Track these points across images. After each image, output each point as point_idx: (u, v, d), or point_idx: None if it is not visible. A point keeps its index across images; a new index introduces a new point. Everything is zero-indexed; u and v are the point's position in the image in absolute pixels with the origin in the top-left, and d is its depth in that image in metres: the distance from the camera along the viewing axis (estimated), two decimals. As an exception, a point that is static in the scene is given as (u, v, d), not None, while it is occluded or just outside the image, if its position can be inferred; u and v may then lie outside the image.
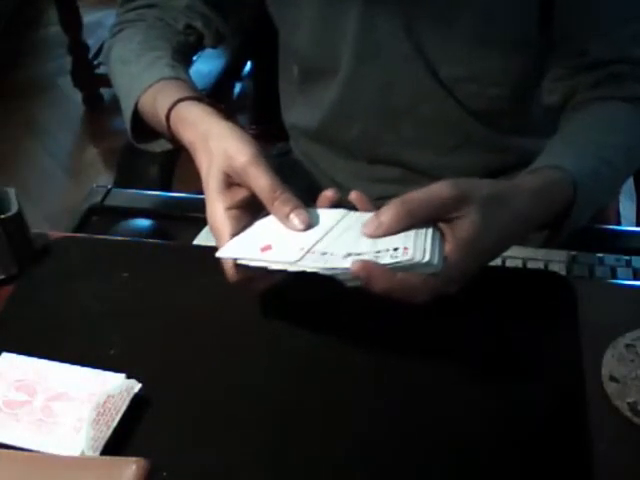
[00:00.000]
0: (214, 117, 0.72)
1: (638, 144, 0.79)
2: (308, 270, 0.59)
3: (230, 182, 0.66)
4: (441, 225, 0.61)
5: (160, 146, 0.84)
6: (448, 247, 0.60)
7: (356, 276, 0.57)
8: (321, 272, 0.59)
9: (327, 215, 0.66)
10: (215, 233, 0.66)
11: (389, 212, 0.60)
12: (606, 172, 0.73)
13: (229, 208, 0.65)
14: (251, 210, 0.67)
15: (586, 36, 0.81)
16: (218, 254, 0.64)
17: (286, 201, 0.64)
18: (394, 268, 0.58)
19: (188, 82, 0.80)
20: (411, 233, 0.60)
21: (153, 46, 0.86)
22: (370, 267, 0.57)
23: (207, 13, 0.91)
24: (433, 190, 0.61)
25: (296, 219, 0.64)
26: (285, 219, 0.64)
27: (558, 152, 0.75)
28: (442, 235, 0.61)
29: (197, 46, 0.94)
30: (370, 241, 0.60)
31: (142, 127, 0.83)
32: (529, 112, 0.91)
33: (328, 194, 0.67)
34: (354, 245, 0.60)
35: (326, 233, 0.63)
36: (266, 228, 0.65)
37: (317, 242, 0.62)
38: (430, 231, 0.60)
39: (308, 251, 0.61)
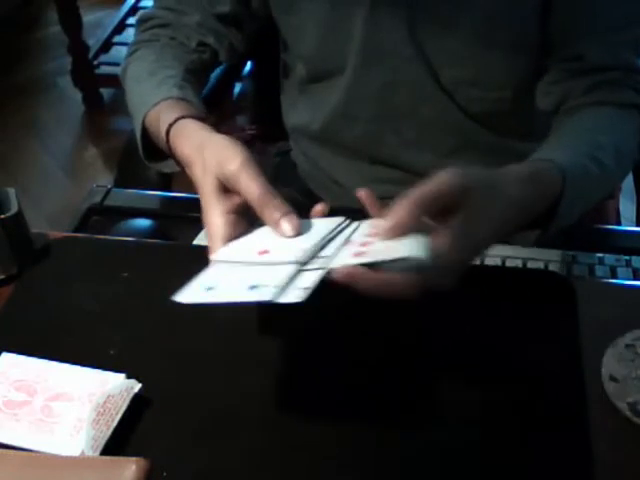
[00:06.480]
0: (208, 130, 0.72)
1: (628, 147, 0.80)
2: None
3: (224, 188, 0.66)
4: (434, 219, 0.61)
5: (169, 167, 0.84)
6: (443, 238, 0.59)
7: (341, 283, 0.57)
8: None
9: (321, 223, 0.65)
10: (209, 236, 0.65)
11: (402, 211, 0.59)
12: (595, 170, 0.73)
13: (225, 212, 0.65)
14: (247, 218, 0.66)
15: (583, 41, 0.81)
16: (213, 257, 0.63)
17: (277, 207, 0.63)
18: (379, 265, 0.57)
19: (194, 103, 0.80)
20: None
21: (165, 65, 0.86)
22: (351, 272, 0.57)
23: (219, 29, 0.92)
24: (440, 182, 0.61)
25: (286, 225, 0.63)
26: (275, 225, 0.63)
27: (548, 148, 0.76)
28: (429, 229, 0.60)
29: (213, 62, 0.94)
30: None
31: (152, 146, 0.83)
32: (530, 116, 0.91)
33: (318, 208, 0.67)
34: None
35: (323, 238, 0.62)
36: (264, 235, 0.65)
37: (316, 246, 0.61)
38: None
39: (311, 254, 0.60)
